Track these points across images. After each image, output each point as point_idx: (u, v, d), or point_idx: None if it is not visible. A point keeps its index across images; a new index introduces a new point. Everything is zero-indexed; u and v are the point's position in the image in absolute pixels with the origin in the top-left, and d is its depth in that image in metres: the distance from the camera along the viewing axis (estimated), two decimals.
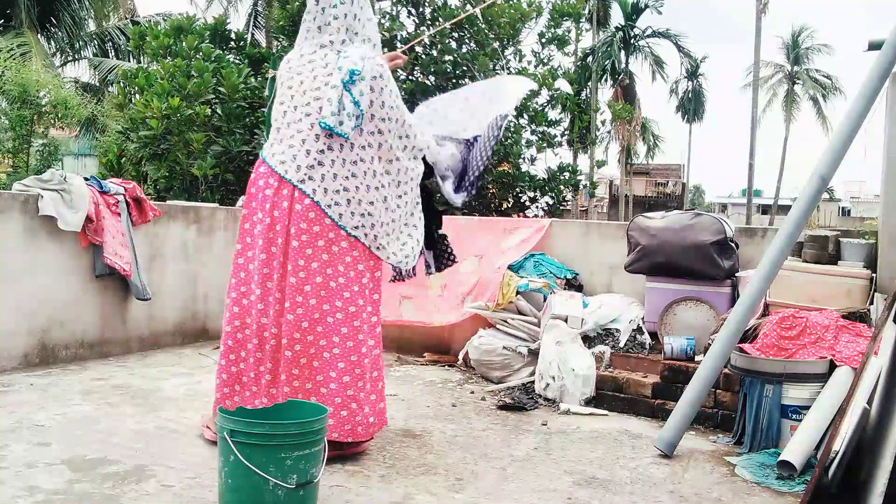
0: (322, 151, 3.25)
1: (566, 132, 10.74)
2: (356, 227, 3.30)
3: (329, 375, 3.21)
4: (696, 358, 4.25)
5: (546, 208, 9.67)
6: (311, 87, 3.30)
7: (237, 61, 9.12)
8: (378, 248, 3.39)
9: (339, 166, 3.27)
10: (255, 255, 3.32)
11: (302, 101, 3.31)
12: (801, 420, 3.56)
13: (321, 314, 3.21)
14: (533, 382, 4.72)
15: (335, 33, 3.34)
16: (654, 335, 4.84)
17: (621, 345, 4.80)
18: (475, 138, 3.89)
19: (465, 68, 8.54)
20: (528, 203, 9.62)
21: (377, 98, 3.28)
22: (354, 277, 3.30)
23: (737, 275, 4.71)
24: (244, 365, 3.34)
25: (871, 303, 4.20)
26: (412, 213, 3.62)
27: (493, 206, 9.17)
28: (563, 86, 10.06)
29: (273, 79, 6.63)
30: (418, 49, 8.65)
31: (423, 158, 3.65)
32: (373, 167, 3.34)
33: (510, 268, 5.35)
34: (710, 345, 3.92)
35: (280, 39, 9.02)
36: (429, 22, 8.96)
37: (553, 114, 9.75)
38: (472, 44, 8.74)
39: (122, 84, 9.21)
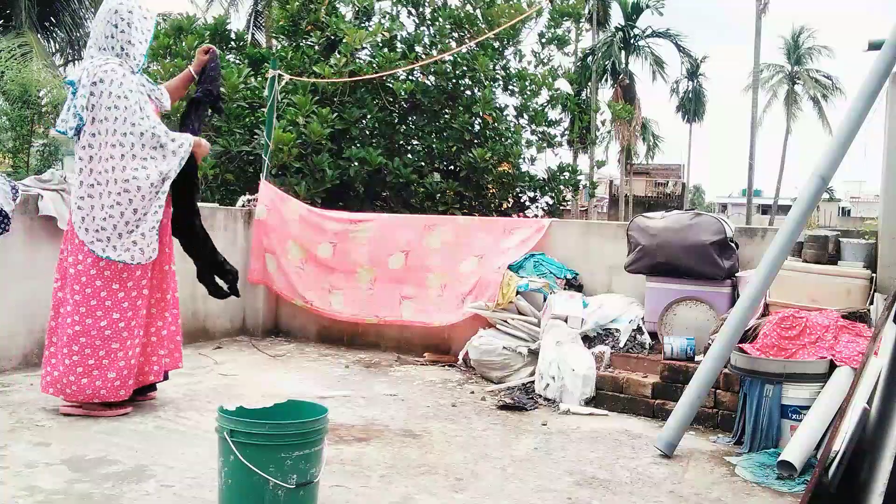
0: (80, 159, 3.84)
1: (566, 132, 10.73)
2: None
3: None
4: (696, 358, 4.25)
5: (546, 208, 9.67)
6: None
7: (237, 61, 9.11)
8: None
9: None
10: None
11: None
12: (801, 420, 3.56)
13: None
14: (533, 382, 4.72)
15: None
16: (654, 335, 4.84)
17: (621, 345, 4.80)
18: None
19: (465, 68, 8.54)
20: (528, 203, 9.62)
21: (97, 101, 3.70)
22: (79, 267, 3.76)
23: (737, 275, 4.71)
24: None
25: (871, 303, 4.20)
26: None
27: (493, 206, 9.17)
28: (563, 86, 10.07)
29: (273, 79, 6.64)
30: (418, 49, 8.65)
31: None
32: (90, 166, 3.76)
33: (510, 268, 5.35)
34: (710, 345, 3.92)
35: (280, 39, 9.01)
36: (428, 22, 8.95)
37: (553, 114, 9.75)
38: (471, 43, 8.74)
39: None
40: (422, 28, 8.97)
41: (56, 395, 3.80)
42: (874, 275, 4.36)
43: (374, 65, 7.99)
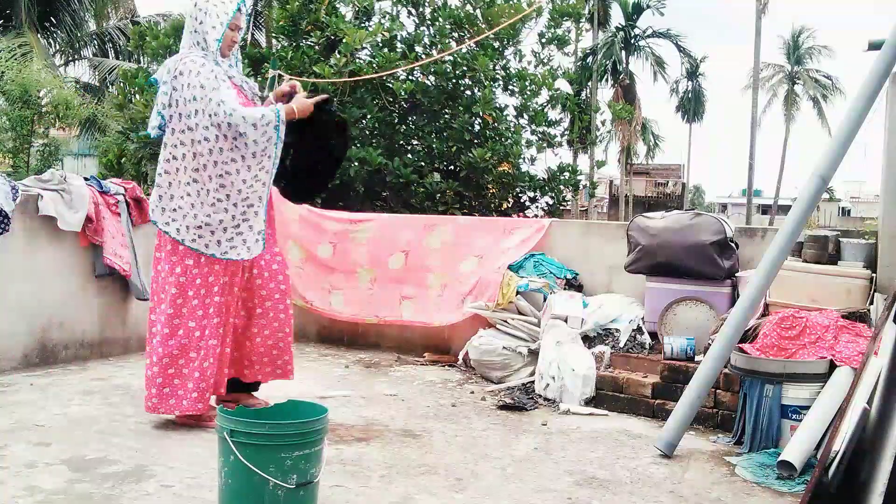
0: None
1: (566, 132, 10.72)
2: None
3: None
4: (696, 358, 4.25)
5: (546, 208, 9.66)
6: None
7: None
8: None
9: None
10: None
11: None
12: (801, 420, 3.56)
13: None
14: (533, 382, 4.72)
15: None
16: (654, 335, 4.84)
17: (621, 345, 4.80)
18: None
19: (465, 68, 8.53)
20: (528, 203, 9.61)
21: (181, 96, 3.55)
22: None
23: (737, 275, 4.71)
24: None
25: (871, 303, 4.19)
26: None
27: (493, 206, 9.16)
28: (563, 86, 10.06)
29: (273, 79, 6.63)
30: (418, 49, 8.64)
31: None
32: (183, 164, 3.62)
33: (510, 268, 5.35)
34: (710, 345, 3.92)
35: (280, 39, 9.01)
36: (428, 22, 8.94)
37: (553, 114, 9.74)
38: (471, 43, 8.73)
39: (122, 84, 9.21)
40: (422, 28, 8.96)
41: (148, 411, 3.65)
42: (874, 275, 4.36)
43: (374, 65, 7.98)
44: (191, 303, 3.61)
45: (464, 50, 8.39)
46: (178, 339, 3.59)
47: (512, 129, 9.06)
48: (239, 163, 3.56)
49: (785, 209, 27.53)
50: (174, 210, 3.62)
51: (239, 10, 3.70)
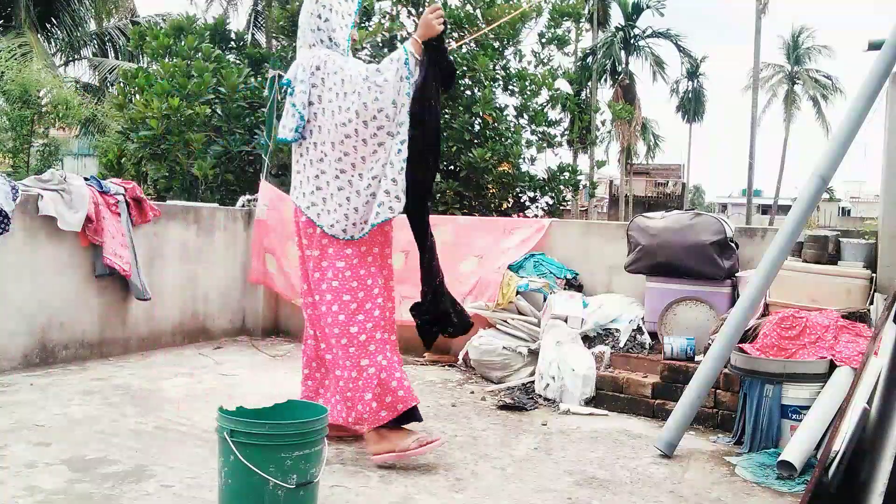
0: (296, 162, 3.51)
1: (566, 132, 10.73)
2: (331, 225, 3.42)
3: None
4: (696, 358, 4.25)
5: (546, 208, 9.67)
6: None
7: (237, 61, 9.11)
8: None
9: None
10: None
11: None
12: (801, 420, 3.56)
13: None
14: (533, 382, 4.72)
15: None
16: (654, 335, 4.84)
17: (621, 345, 4.80)
18: None
19: (465, 68, 8.54)
20: (528, 203, 9.62)
21: (322, 91, 3.36)
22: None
23: (737, 275, 4.71)
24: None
25: (871, 303, 4.20)
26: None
27: (493, 206, 9.17)
28: (563, 86, 10.06)
29: (273, 79, 6.64)
30: None
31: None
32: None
33: (510, 268, 5.35)
34: (710, 345, 3.92)
35: (280, 39, 9.02)
36: None
37: (553, 114, 9.75)
38: (472, 44, 8.75)
39: (122, 84, 9.21)
40: None
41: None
42: (874, 275, 4.36)
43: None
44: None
45: (463, 49, 8.40)
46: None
47: (512, 129, 9.07)
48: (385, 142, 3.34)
49: (785, 209, 27.54)
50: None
51: (360, 5, 3.64)
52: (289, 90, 3.41)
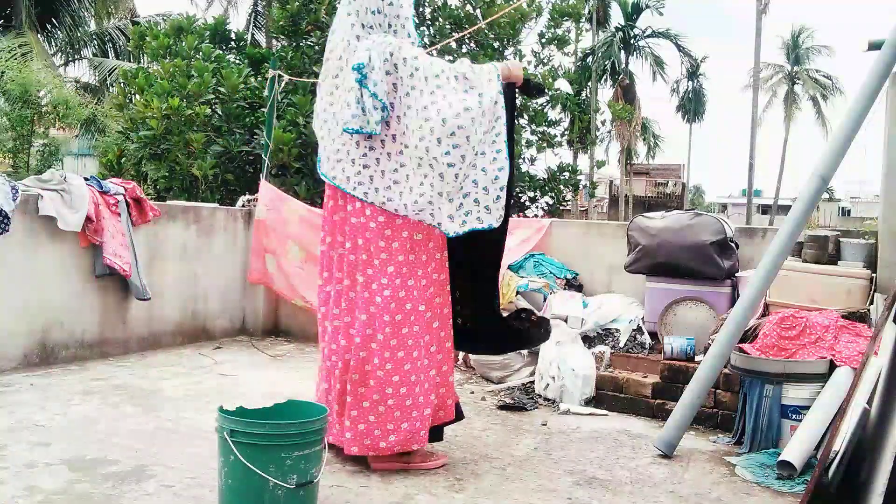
0: (364, 155, 3.18)
1: (566, 132, 10.73)
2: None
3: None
4: (696, 358, 4.25)
5: (546, 208, 9.67)
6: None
7: (237, 61, 9.11)
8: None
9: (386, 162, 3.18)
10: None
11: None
12: (801, 420, 3.56)
13: None
14: (533, 382, 4.72)
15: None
16: (654, 335, 4.84)
17: (621, 345, 4.81)
18: None
19: None
20: (528, 203, 9.62)
21: (398, 79, 3.07)
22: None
23: (737, 275, 4.71)
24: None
25: (871, 303, 4.20)
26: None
27: None
28: (563, 86, 10.06)
29: (273, 79, 6.64)
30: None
31: None
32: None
33: (510, 268, 5.35)
34: (710, 345, 3.92)
35: (280, 39, 9.02)
36: (428, 22, 8.95)
37: (553, 114, 9.75)
38: (471, 44, 8.75)
39: (122, 84, 9.21)
40: (422, 28, 8.97)
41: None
42: (874, 275, 4.36)
43: None
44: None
45: (464, 49, 8.40)
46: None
47: None
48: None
49: (785, 209, 27.54)
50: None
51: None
52: (359, 76, 3.04)
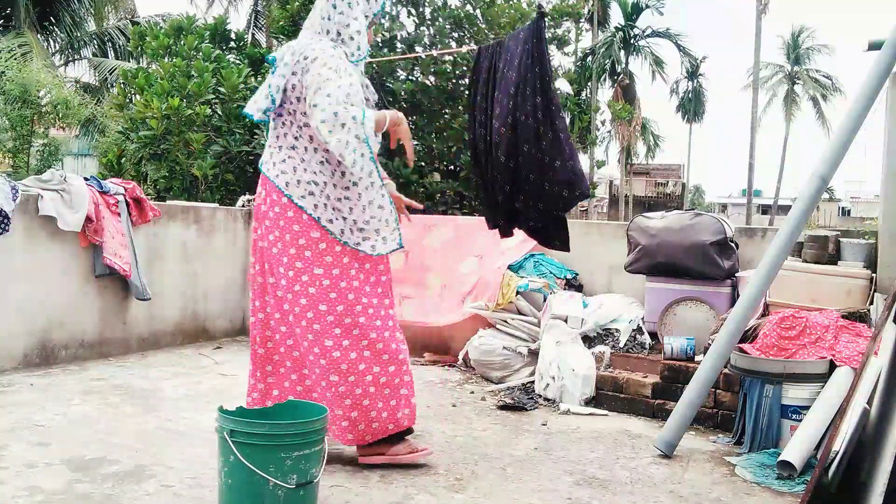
0: (276, 146, 3.20)
1: None
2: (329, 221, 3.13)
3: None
4: (696, 358, 4.25)
5: None
6: None
7: (237, 61, 9.11)
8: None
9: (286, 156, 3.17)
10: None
11: None
12: (801, 420, 3.56)
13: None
14: (533, 382, 4.72)
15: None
16: (654, 335, 4.84)
17: (621, 345, 4.80)
18: None
19: (465, 68, 8.53)
20: None
21: (299, 81, 3.06)
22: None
23: (737, 275, 4.71)
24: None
25: (871, 303, 4.20)
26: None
27: None
28: (563, 86, 10.06)
29: None
30: (418, 49, 8.65)
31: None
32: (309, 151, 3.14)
33: (510, 268, 5.35)
34: (710, 345, 3.92)
35: (280, 40, 9.01)
36: (428, 22, 8.95)
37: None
38: (472, 44, 8.74)
39: (122, 84, 9.21)
40: (422, 28, 8.97)
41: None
42: (874, 275, 4.36)
43: (374, 65, 7.98)
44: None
45: (464, 49, 8.39)
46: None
47: None
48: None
49: (785, 209, 27.54)
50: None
51: (383, 8, 3.37)
52: (272, 69, 3.15)
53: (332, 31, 3.20)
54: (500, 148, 3.99)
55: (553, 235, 4.19)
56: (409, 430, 3.34)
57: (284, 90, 3.11)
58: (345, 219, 3.16)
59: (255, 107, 3.18)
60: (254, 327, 3.32)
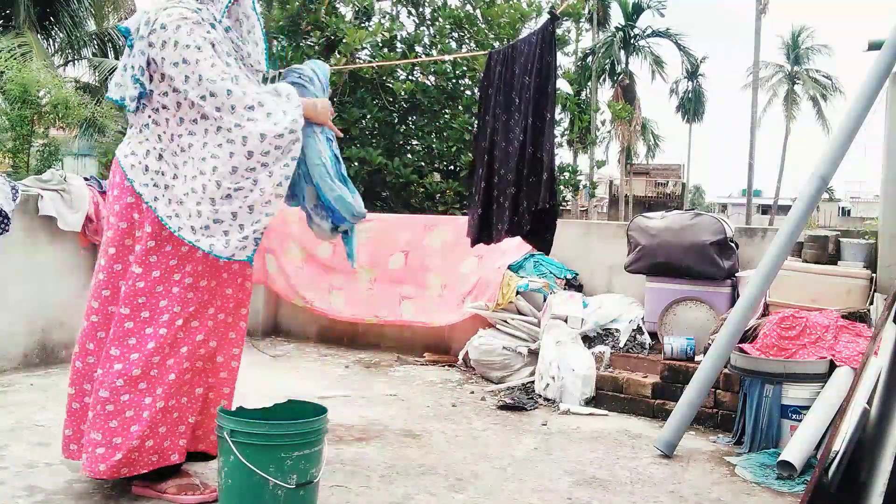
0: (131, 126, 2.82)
1: (566, 132, 10.72)
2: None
3: None
4: (696, 358, 4.25)
5: None
6: None
7: None
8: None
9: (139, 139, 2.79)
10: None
11: None
12: (801, 420, 3.56)
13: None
14: (533, 382, 4.72)
15: None
16: (654, 335, 4.84)
17: (621, 345, 4.80)
18: None
19: (464, 68, 8.53)
20: None
21: (157, 55, 2.64)
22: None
23: (737, 275, 4.71)
24: None
25: (871, 303, 4.20)
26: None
27: None
28: (563, 86, 10.05)
29: (272, 79, 6.63)
30: (418, 49, 8.65)
31: None
32: (169, 132, 2.73)
33: (510, 268, 5.35)
34: (710, 345, 3.92)
35: (280, 39, 9.01)
36: (428, 22, 8.95)
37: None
38: (472, 44, 8.74)
39: None
40: (422, 28, 8.97)
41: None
42: (874, 275, 4.36)
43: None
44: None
45: (464, 49, 8.40)
46: None
47: None
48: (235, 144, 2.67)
49: (785, 209, 27.53)
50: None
51: None
52: (127, 41, 2.73)
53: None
54: (519, 151, 3.97)
55: (541, 236, 4.16)
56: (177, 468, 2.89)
57: (144, 68, 2.69)
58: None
59: (122, 93, 2.78)
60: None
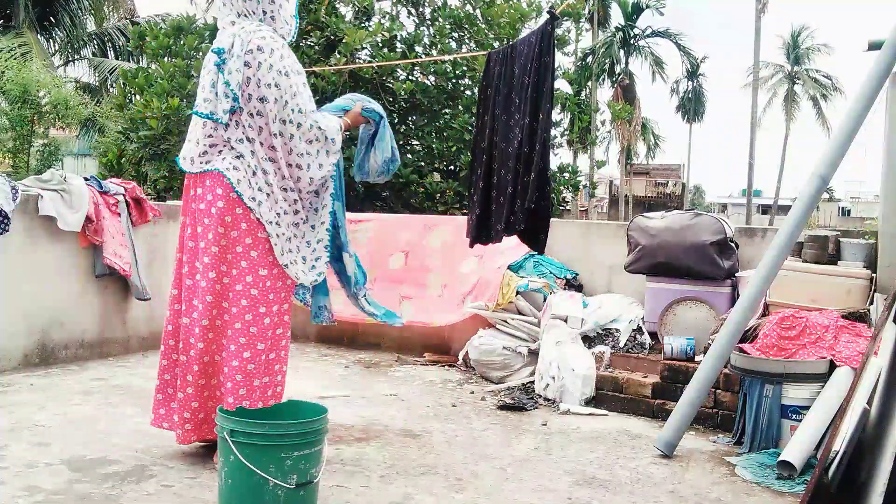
0: (213, 144, 3.06)
1: (566, 132, 10.72)
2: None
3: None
4: (696, 358, 4.25)
5: None
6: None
7: None
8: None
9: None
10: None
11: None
12: (801, 420, 3.56)
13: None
14: (533, 382, 4.72)
15: (226, 13, 3.13)
16: (654, 335, 4.84)
17: (621, 345, 4.80)
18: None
19: (465, 68, 8.53)
20: None
21: (254, 75, 2.96)
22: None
23: (737, 275, 4.71)
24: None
25: (871, 303, 4.20)
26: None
27: None
28: (563, 86, 10.06)
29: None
30: (418, 49, 8.65)
31: None
32: (257, 154, 3.05)
33: (510, 268, 5.35)
34: (710, 345, 3.92)
35: None
36: (428, 22, 8.95)
37: (553, 114, 9.73)
38: (472, 44, 8.74)
39: (122, 84, 9.21)
40: (422, 28, 8.97)
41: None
42: (874, 275, 4.36)
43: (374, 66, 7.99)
44: None
45: (464, 49, 8.41)
46: None
47: None
48: (312, 169, 3.17)
49: (785, 209, 27.54)
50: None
51: None
52: (217, 59, 2.99)
53: (257, 12, 3.06)
54: (517, 152, 3.97)
55: (534, 236, 4.15)
56: None
57: (241, 84, 2.96)
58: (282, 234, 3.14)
59: (216, 107, 2.99)
60: (173, 335, 3.20)
